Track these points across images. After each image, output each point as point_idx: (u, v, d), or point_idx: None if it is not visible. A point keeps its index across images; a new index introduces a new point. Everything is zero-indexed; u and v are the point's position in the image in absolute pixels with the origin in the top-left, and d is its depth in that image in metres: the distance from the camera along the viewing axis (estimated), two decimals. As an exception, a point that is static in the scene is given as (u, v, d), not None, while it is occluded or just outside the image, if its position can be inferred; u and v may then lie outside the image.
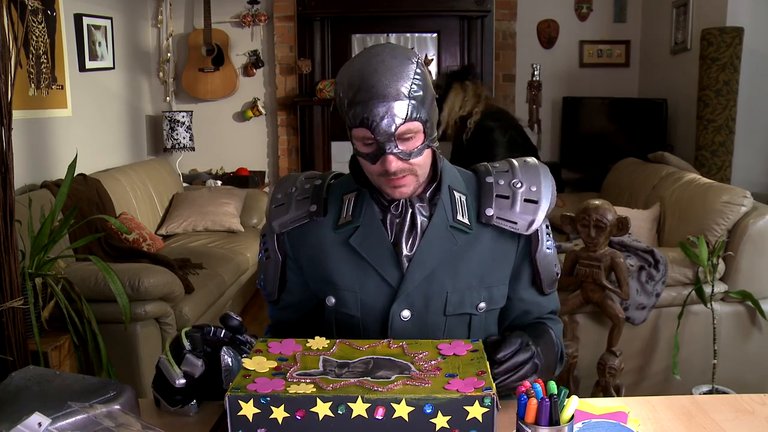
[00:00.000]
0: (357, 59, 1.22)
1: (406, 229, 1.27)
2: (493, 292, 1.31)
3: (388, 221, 1.28)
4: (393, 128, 1.16)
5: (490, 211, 1.28)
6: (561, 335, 1.41)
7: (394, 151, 1.18)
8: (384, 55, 1.19)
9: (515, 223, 1.27)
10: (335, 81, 1.24)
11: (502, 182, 1.30)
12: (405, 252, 1.27)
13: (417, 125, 1.19)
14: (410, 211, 1.27)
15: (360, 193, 1.31)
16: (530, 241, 1.32)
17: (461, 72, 4.16)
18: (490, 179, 1.31)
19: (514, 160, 1.35)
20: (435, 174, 1.29)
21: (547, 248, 1.33)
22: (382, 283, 1.28)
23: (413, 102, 1.17)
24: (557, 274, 1.37)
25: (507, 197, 1.28)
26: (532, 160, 1.35)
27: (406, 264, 1.27)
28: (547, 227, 1.33)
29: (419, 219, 1.27)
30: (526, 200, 1.28)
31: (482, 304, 1.30)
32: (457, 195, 1.30)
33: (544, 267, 1.33)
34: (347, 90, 1.19)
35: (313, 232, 1.32)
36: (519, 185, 1.29)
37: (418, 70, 1.19)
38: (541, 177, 1.30)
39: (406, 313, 1.27)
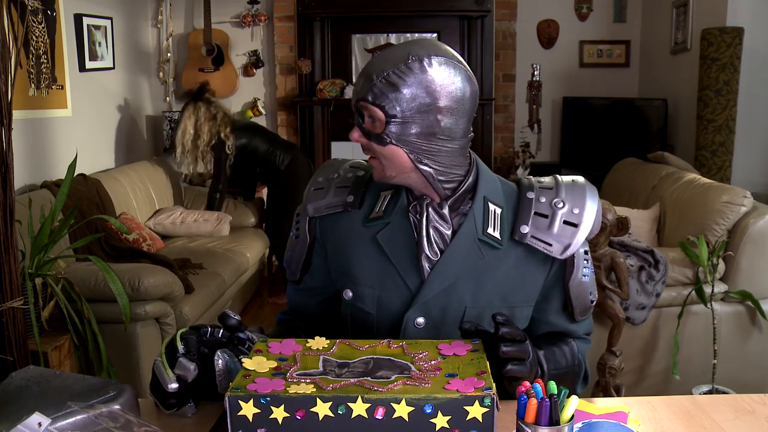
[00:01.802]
0: None
1: (424, 232, 1.23)
2: (515, 312, 1.25)
3: (411, 221, 1.26)
4: (355, 99, 1.20)
5: (525, 229, 1.22)
6: (586, 355, 1.35)
7: (359, 121, 1.21)
8: (400, 45, 1.21)
9: (550, 245, 1.21)
10: None
11: (543, 199, 1.23)
12: (428, 255, 1.23)
13: (376, 111, 1.18)
14: (425, 214, 1.23)
15: (398, 190, 1.29)
16: (564, 266, 1.25)
17: (197, 92, 4.21)
18: (531, 194, 1.25)
19: (561, 178, 1.28)
20: (461, 181, 1.24)
21: (584, 276, 1.26)
22: (402, 286, 1.25)
23: (378, 87, 1.16)
24: (592, 302, 1.30)
25: (546, 216, 1.22)
26: (580, 179, 1.28)
27: (428, 270, 1.23)
28: (585, 253, 1.26)
29: (432, 225, 1.23)
30: (565, 222, 1.21)
31: None
32: (492, 207, 1.24)
33: (576, 295, 1.27)
34: None
35: (344, 222, 1.31)
36: (561, 205, 1.22)
37: (410, 67, 1.15)
38: (587, 199, 1.23)
39: (420, 320, 1.24)
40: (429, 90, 1.16)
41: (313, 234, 1.35)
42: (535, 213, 1.23)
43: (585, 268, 1.26)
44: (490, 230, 1.23)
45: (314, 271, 1.38)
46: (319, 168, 1.39)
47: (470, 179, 1.25)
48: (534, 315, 1.30)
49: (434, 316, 1.24)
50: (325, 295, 1.40)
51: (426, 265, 1.23)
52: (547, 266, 1.26)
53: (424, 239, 1.23)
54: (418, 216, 1.25)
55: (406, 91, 1.16)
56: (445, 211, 1.24)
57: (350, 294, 1.30)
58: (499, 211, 1.24)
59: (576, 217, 1.22)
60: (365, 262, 1.28)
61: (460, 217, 1.24)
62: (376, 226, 1.28)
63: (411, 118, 1.17)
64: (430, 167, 1.21)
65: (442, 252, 1.23)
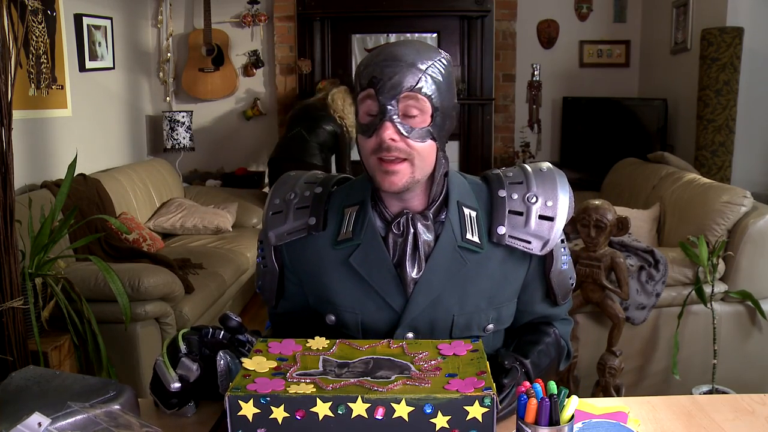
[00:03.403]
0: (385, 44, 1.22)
1: (409, 250, 1.19)
2: (501, 311, 1.25)
3: (390, 240, 1.20)
4: (398, 89, 1.11)
5: (501, 230, 1.20)
6: (568, 335, 1.37)
7: (394, 118, 1.12)
8: (414, 41, 1.20)
9: (529, 242, 1.20)
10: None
11: (515, 196, 1.21)
12: (411, 275, 1.19)
13: (425, 103, 1.13)
14: (412, 231, 1.19)
15: (362, 206, 1.23)
16: (544, 259, 1.25)
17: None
18: (502, 193, 1.22)
19: (528, 168, 1.26)
20: (441, 187, 1.22)
21: (563, 264, 1.26)
22: (385, 307, 1.22)
23: (427, 78, 1.13)
24: (572, 285, 1.31)
25: (521, 213, 1.20)
26: (547, 166, 1.26)
27: (411, 287, 1.20)
28: (562, 241, 1.25)
29: (422, 239, 1.19)
30: (541, 217, 1.19)
31: (490, 326, 1.24)
32: (466, 211, 1.22)
33: (558, 283, 1.27)
34: (365, 62, 1.17)
35: (311, 247, 1.26)
36: (534, 200, 1.20)
37: (444, 62, 1.16)
38: (558, 189, 1.21)
39: (409, 335, 1.22)
40: (452, 88, 1.19)
41: (281, 261, 1.29)
42: (510, 211, 1.21)
43: (563, 256, 1.26)
44: (469, 236, 1.20)
45: (290, 297, 1.34)
46: (273, 187, 1.32)
47: (445, 185, 1.23)
48: (518, 307, 1.30)
49: (423, 330, 1.22)
50: (305, 314, 1.34)
51: (410, 283, 1.20)
52: (526, 260, 1.25)
53: (407, 256, 1.19)
54: (402, 232, 1.20)
55: (445, 86, 1.16)
56: (430, 221, 1.21)
57: (333, 319, 1.26)
58: (474, 214, 1.22)
59: (551, 209, 1.20)
60: (342, 287, 1.24)
61: (437, 225, 1.21)
62: (346, 249, 1.22)
63: (445, 113, 1.17)
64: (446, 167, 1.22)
65: (422, 267, 1.20)
